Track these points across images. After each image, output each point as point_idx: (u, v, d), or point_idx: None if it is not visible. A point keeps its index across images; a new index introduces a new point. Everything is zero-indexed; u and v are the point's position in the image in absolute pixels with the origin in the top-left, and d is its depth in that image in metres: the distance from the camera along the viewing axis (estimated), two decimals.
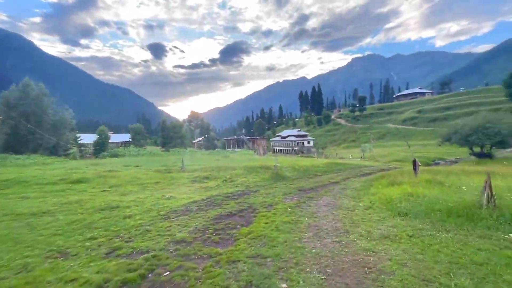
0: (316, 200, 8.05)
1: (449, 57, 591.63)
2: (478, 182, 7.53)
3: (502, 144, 30.65)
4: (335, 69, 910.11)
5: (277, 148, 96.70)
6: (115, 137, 72.46)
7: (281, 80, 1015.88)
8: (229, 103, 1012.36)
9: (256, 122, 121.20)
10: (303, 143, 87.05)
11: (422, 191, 6.92)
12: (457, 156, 40.89)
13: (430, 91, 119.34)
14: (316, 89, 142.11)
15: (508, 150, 35.34)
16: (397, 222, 5.53)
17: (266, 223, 5.80)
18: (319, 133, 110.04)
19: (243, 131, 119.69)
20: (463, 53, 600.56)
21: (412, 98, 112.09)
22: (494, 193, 5.32)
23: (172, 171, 15.78)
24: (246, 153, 44.36)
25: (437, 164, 36.06)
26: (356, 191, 9.14)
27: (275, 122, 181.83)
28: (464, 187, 7.31)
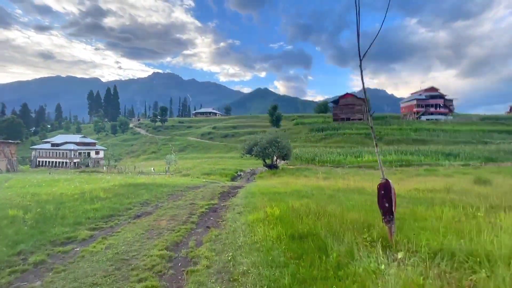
0: None
1: (228, 91, 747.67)
2: None
3: (286, 157, 34.86)
4: (135, 78, 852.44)
5: (45, 160, 65.15)
6: None
7: (64, 75, 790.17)
8: None
9: (6, 120, 76.53)
10: (88, 153, 64.32)
11: None
12: (251, 167, 43.05)
13: (220, 112, 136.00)
14: (112, 91, 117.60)
15: (282, 162, 41.10)
16: None
17: None
18: (113, 142, 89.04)
19: None
20: (236, 90, 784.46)
21: (207, 116, 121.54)
22: None
23: None
24: None
25: (240, 176, 35.44)
26: None
27: (49, 126, 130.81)
28: None
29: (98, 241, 4.54)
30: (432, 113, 74.73)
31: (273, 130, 37.23)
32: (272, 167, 34.76)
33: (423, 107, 75.52)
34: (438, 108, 74.95)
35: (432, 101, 75.03)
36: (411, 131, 60.00)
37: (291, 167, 37.56)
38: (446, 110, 75.30)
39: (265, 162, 35.33)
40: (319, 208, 5.65)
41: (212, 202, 8.38)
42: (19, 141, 55.53)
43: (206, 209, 7.31)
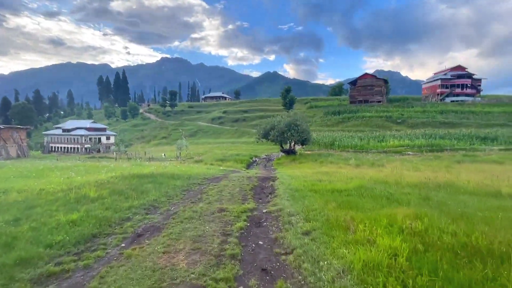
0: None
1: (236, 75, 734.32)
2: None
3: (305, 141, 31.76)
4: (143, 63, 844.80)
5: (57, 145, 64.50)
6: None
7: (74, 62, 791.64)
8: None
9: (17, 106, 75.70)
10: (99, 138, 63.09)
11: None
12: (265, 153, 40.43)
13: (229, 96, 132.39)
14: (121, 76, 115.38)
15: (298, 147, 38.19)
16: None
17: None
18: (123, 128, 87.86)
19: None
20: (245, 74, 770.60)
21: (217, 100, 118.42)
22: None
23: None
24: None
25: (255, 162, 32.93)
26: None
27: (62, 112, 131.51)
28: None
29: None
30: (457, 94, 69.00)
31: (291, 112, 33.93)
32: (290, 152, 31.99)
33: (448, 87, 69.73)
34: (465, 89, 69.04)
35: (459, 81, 69.01)
36: (437, 114, 55.27)
37: (308, 152, 34.57)
38: (474, 91, 69.31)
39: (282, 147, 32.55)
40: (474, 237, 2.82)
41: (248, 206, 5.67)
42: (29, 127, 54.46)
43: (244, 221, 4.61)
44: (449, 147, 33.87)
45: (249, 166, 28.96)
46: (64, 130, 64.43)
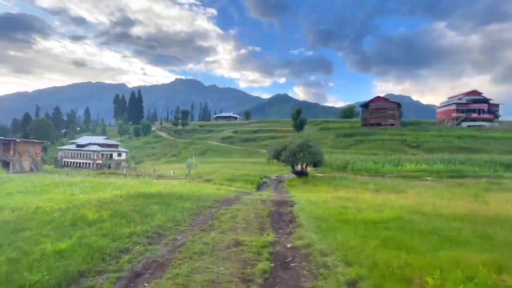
0: None
1: (247, 96, 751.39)
2: None
3: (318, 163, 30.75)
4: (159, 84, 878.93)
5: (70, 160, 65.52)
6: None
7: (94, 81, 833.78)
8: (2, 95, 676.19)
9: (36, 121, 78.58)
10: (111, 155, 63.78)
11: None
12: (275, 174, 39.36)
13: (240, 117, 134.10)
14: (136, 95, 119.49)
15: (309, 168, 36.99)
16: None
17: None
18: (135, 145, 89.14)
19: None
20: (255, 96, 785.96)
21: (228, 120, 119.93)
22: None
23: None
24: None
25: (265, 183, 31.87)
26: None
27: (78, 128, 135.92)
28: None
29: None
30: (474, 119, 66.93)
31: (304, 133, 33.43)
32: (301, 174, 30.94)
33: (463, 112, 67.94)
34: (481, 114, 67.06)
35: (475, 105, 67.31)
36: (454, 138, 53.25)
37: (320, 174, 33.24)
38: (491, 116, 67.17)
39: (294, 169, 31.59)
40: None
41: (268, 238, 4.77)
42: (44, 141, 55.71)
43: (267, 260, 3.71)
44: (471, 174, 31.78)
45: (259, 187, 27.85)
46: (78, 146, 65.73)
